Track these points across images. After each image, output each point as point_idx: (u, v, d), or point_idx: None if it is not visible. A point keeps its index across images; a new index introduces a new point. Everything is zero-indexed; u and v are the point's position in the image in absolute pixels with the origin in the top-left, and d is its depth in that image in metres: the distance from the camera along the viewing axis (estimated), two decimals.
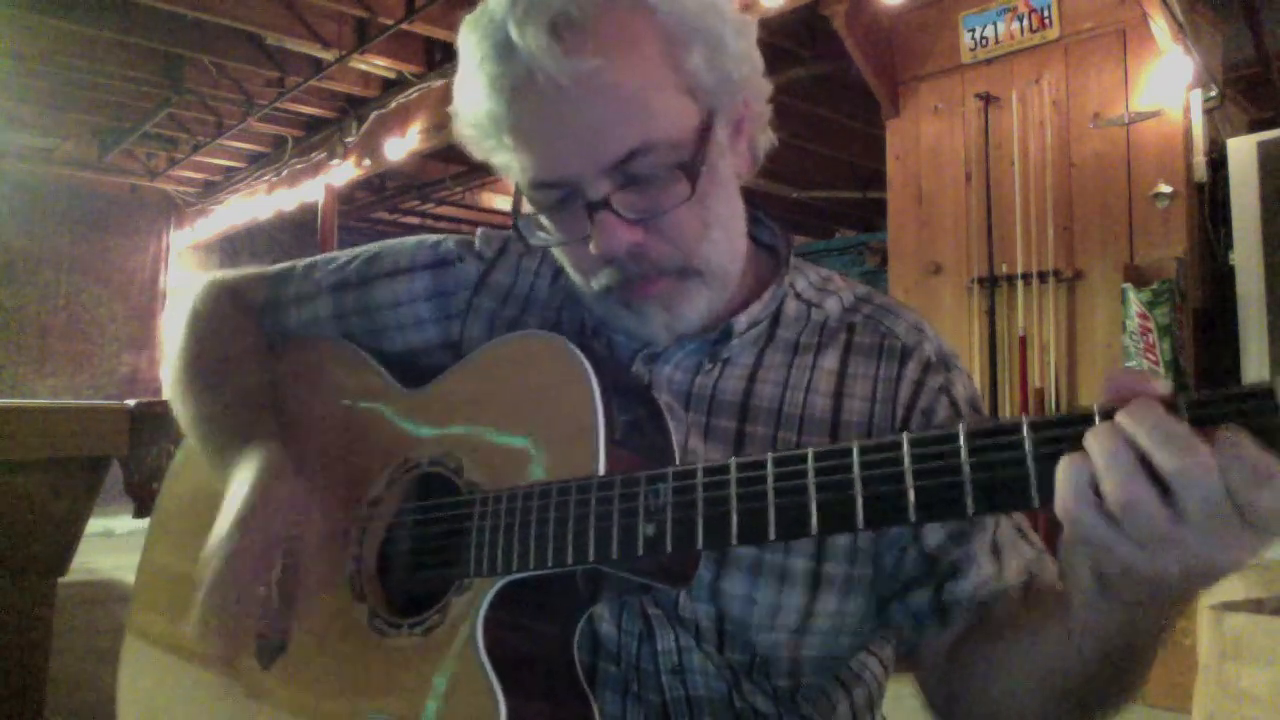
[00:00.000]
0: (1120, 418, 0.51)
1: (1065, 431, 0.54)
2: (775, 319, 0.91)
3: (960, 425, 0.57)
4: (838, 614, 0.83)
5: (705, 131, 0.80)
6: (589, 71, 0.75)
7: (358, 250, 1.06)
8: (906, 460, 0.58)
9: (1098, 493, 0.51)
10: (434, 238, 1.04)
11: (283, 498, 0.84)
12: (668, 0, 0.78)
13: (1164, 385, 0.53)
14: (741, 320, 0.88)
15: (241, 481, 0.85)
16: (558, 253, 0.88)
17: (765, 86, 0.88)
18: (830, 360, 0.89)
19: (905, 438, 0.58)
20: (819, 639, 0.85)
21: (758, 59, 0.86)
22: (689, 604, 0.82)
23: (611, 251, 0.79)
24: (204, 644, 0.82)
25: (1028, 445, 0.54)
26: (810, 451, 0.61)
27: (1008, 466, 0.55)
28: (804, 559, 0.82)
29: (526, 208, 0.86)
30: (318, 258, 1.08)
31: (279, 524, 0.82)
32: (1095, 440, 0.52)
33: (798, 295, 0.93)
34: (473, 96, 0.82)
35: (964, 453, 0.56)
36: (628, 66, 0.77)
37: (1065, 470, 0.53)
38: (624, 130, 0.77)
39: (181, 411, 1.01)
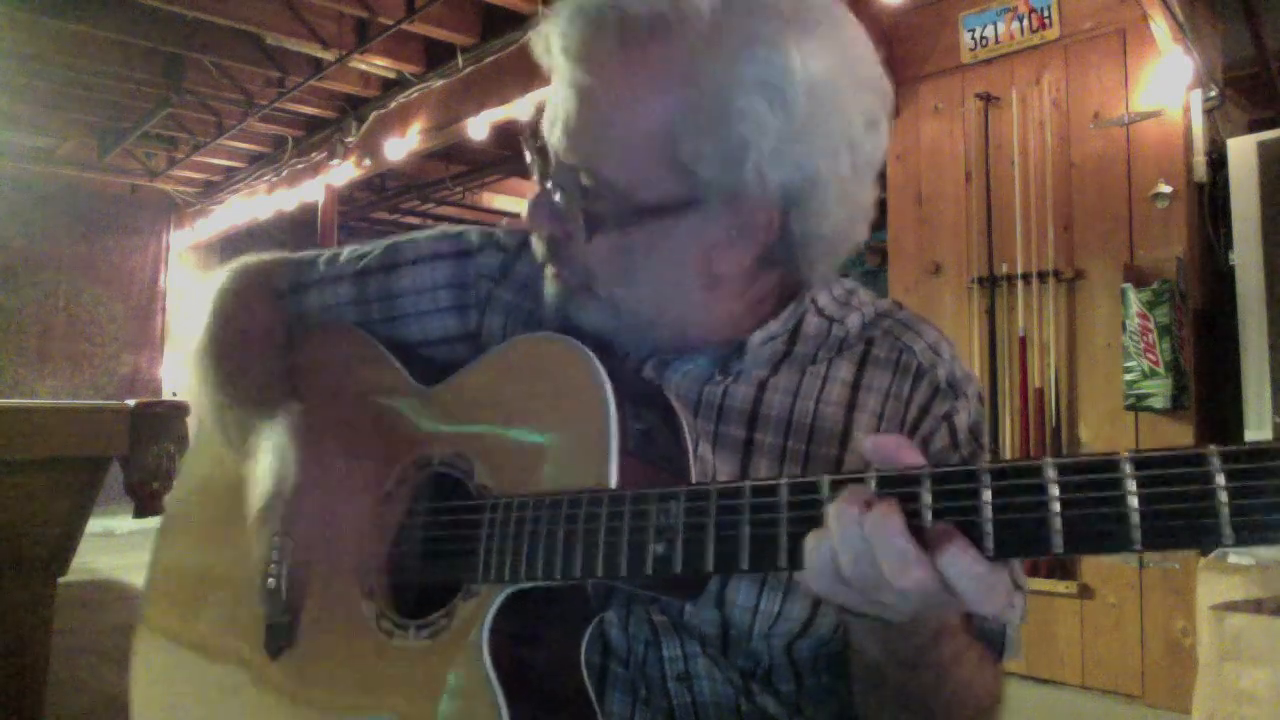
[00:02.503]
0: (866, 522, 0.56)
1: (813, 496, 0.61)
2: (793, 335, 0.88)
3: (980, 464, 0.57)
4: (839, 624, 0.83)
5: (674, 208, 0.78)
6: (615, 77, 0.76)
7: (381, 240, 1.07)
8: (928, 496, 0.57)
9: (836, 561, 0.58)
10: (457, 228, 1.04)
11: (324, 437, 0.86)
12: (725, 80, 0.74)
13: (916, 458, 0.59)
14: (756, 337, 0.86)
15: (279, 455, 0.85)
16: None
17: (860, 231, 0.84)
18: (844, 371, 0.87)
19: (926, 471, 0.58)
20: (820, 645, 0.84)
21: (862, 201, 0.82)
22: (695, 612, 0.82)
23: (532, 224, 0.84)
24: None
25: (784, 509, 0.62)
26: (826, 480, 0.60)
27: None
28: None
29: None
30: (342, 247, 1.09)
31: (328, 447, 0.85)
32: (837, 523, 0.58)
33: (819, 311, 0.90)
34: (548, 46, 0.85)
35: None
36: (663, 104, 0.75)
37: (811, 544, 0.59)
38: (587, 143, 0.78)
39: (199, 387, 1.01)
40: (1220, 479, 0.47)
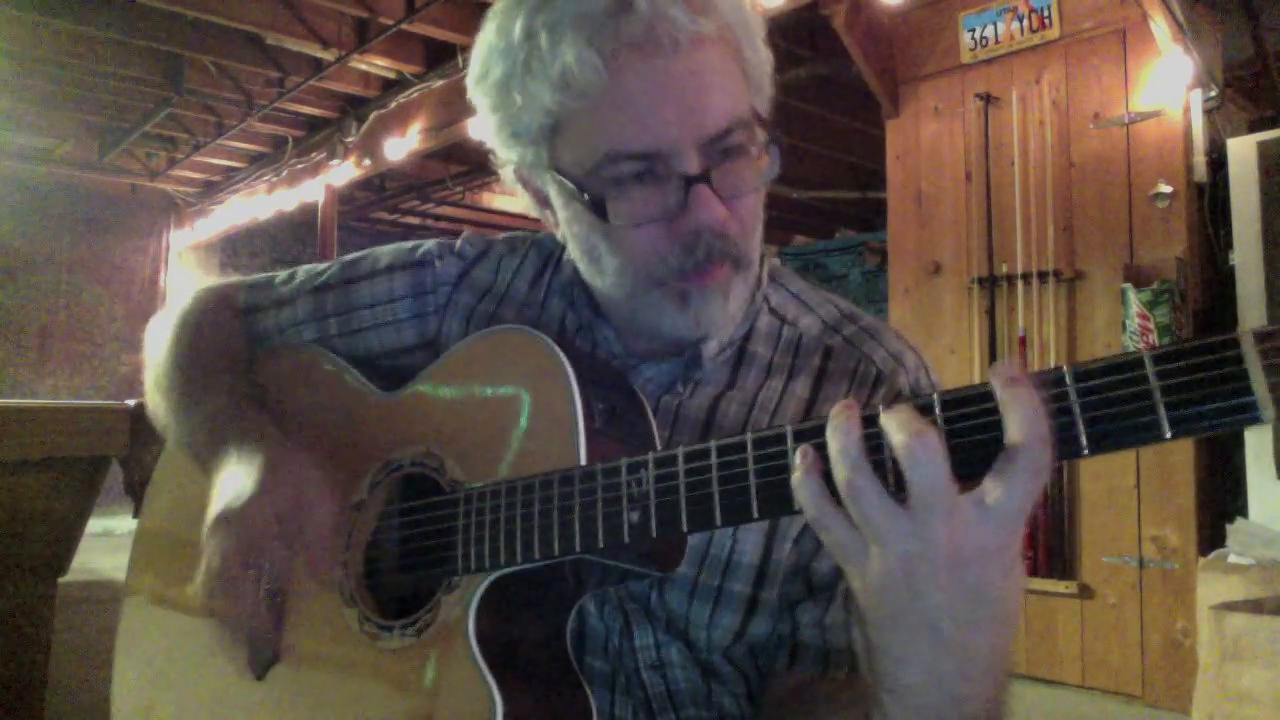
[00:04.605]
0: (882, 416, 0.54)
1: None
2: (747, 335, 0.90)
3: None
4: (773, 634, 0.82)
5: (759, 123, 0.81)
6: (708, 34, 0.75)
7: (339, 258, 1.07)
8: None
9: (830, 484, 0.55)
10: (412, 242, 1.05)
11: (294, 472, 0.81)
12: None
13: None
14: (712, 346, 0.87)
15: (246, 462, 0.82)
16: (599, 239, 0.82)
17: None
18: (801, 387, 0.87)
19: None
20: (759, 656, 0.84)
21: None
22: (659, 602, 0.82)
23: (709, 226, 0.76)
24: (213, 608, 0.80)
25: (750, 461, 0.61)
26: (789, 429, 0.61)
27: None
28: (742, 584, 0.81)
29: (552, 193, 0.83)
30: (300, 267, 1.09)
31: (290, 496, 0.80)
32: (833, 435, 0.55)
33: (772, 310, 0.92)
34: (548, 58, 0.75)
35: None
36: (725, 40, 0.78)
37: (797, 481, 0.56)
38: (725, 101, 0.77)
39: (165, 408, 0.99)
40: (1154, 379, 0.50)
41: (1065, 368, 0.52)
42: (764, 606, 0.81)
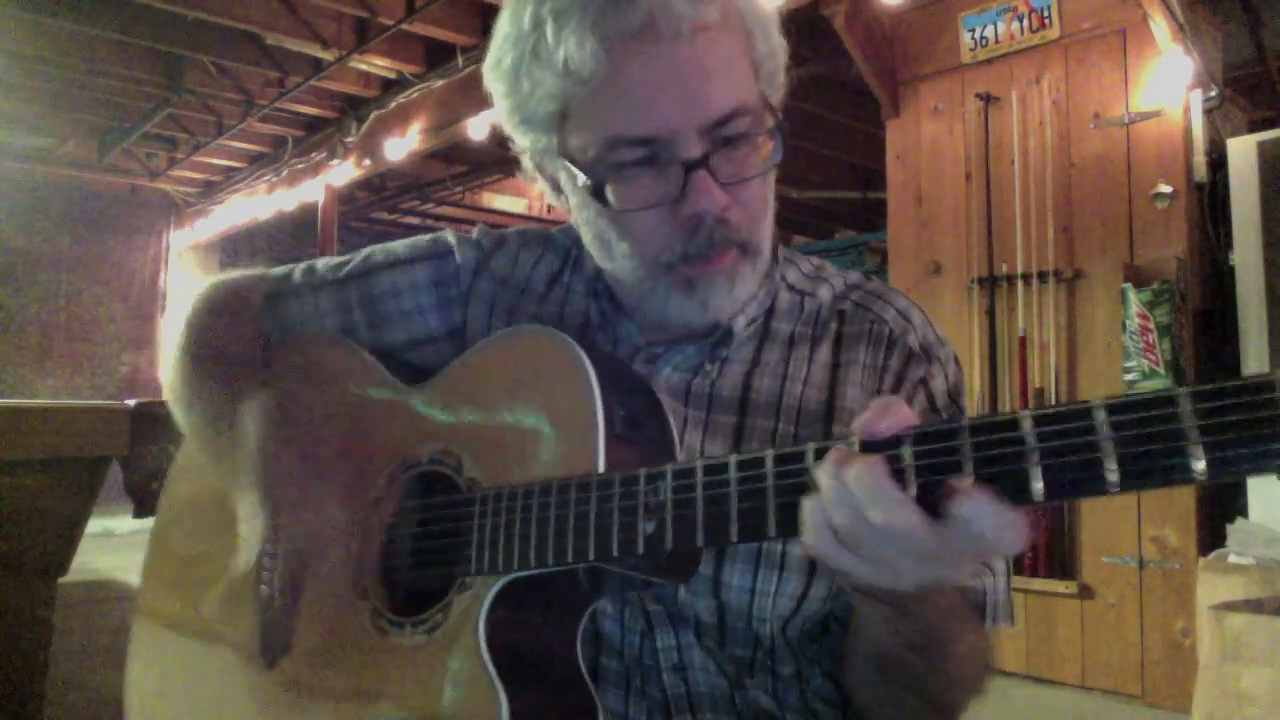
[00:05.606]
0: (849, 474, 0.57)
1: (799, 466, 0.61)
2: (769, 312, 0.92)
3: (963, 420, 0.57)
4: (828, 598, 0.84)
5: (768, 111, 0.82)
6: (711, 21, 0.76)
7: (358, 251, 1.07)
8: (909, 454, 0.57)
9: (830, 521, 0.58)
10: (429, 235, 1.05)
11: (309, 445, 0.86)
12: None
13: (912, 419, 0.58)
14: (740, 321, 0.89)
15: (262, 442, 0.86)
16: (606, 225, 0.84)
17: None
18: (824, 353, 0.90)
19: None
20: (810, 626, 0.86)
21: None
22: (689, 600, 0.83)
23: (708, 212, 0.78)
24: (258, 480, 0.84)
25: (769, 478, 0.61)
26: (810, 448, 0.60)
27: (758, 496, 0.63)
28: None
29: (570, 179, 0.83)
30: (316, 259, 1.09)
31: (304, 438, 0.85)
32: (825, 479, 0.58)
33: (790, 287, 0.95)
34: (552, 45, 0.77)
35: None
36: (732, 27, 0.79)
37: (806, 507, 0.59)
38: (728, 88, 0.78)
39: (175, 400, 1.01)
40: (1190, 418, 0.48)
41: (1095, 402, 0.51)
42: (822, 569, 0.83)
